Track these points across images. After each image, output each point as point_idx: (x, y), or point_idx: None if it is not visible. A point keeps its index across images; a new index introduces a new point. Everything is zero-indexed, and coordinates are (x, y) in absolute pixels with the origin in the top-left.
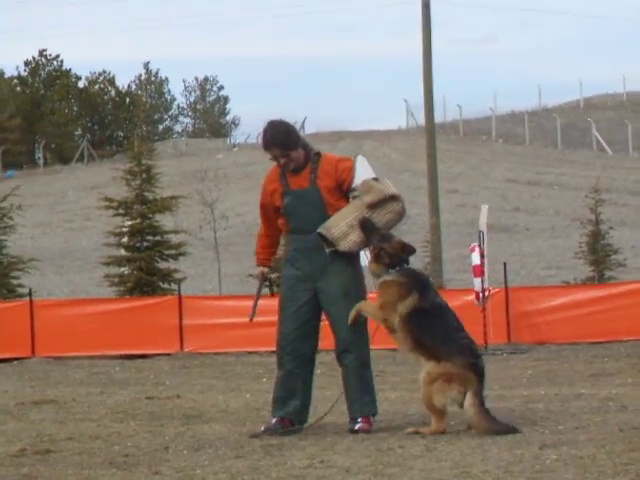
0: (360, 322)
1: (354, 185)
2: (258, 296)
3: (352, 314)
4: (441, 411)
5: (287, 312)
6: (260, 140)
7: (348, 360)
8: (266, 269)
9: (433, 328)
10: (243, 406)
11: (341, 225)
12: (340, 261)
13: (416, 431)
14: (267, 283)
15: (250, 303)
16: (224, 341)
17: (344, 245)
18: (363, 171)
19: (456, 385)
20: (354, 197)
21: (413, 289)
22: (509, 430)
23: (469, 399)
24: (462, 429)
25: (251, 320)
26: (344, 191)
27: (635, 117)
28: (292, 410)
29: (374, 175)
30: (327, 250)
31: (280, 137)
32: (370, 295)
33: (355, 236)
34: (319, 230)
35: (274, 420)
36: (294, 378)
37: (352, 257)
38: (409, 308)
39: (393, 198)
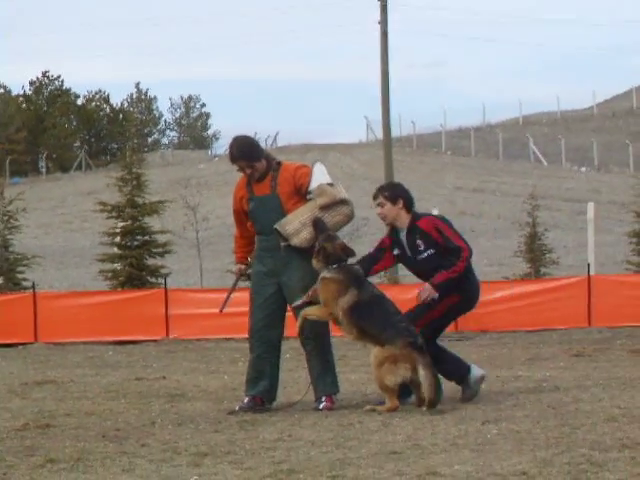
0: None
1: (310, 188)
2: (232, 290)
3: (299, 323)
4: (393, 390)
5: (256, 303)
6: (227, 154)
7: (310, 346)
8: (243, 266)
9: (373, 317)
10: (221, 386)
11: (295, 223)
12: (300, 258)
13: (373, 409)
14: (244, 278)
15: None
16: (205, 329)
17: (296, 241)
18: (320, 176)
19: (402, 364)
20: (309, 199)
21: (350, 285)
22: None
23: (422, 372)
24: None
25: (221, 311)
26: (302, 194)
27: (568, 132)
28: (262, 390)
29: (330, 180)
30: (282, 244)
31: (245, 150)
32: None
33: (306, 233)
34: (275, 226)
35: (247, 399)
36: (263, 362)
37: (311, 254)
38: (350, 303)
39: (343, 202)
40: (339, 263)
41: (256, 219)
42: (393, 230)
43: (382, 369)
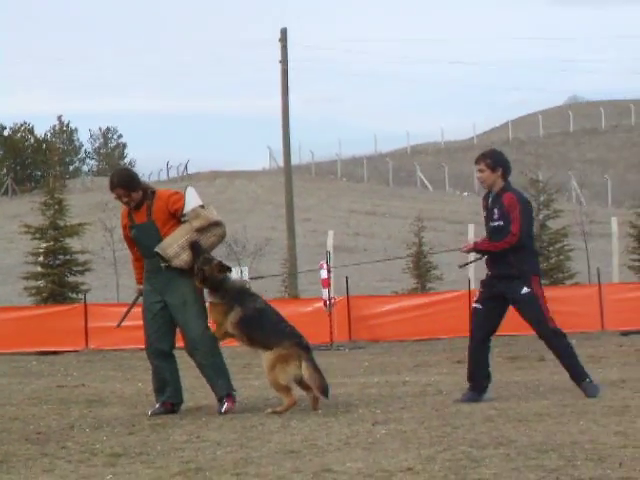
0: (202, 321)
1: (185, 211)
2: (130, 307)
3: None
4: (287, 388)
5: (146, 319)
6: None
7: (199, 356)
8: (141, 287)
9: (260, 326)
10: (136, 392)
11: (174, 246)
12: (179, 277)
13: (274, 411)
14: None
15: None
16: (121, 340)
17: (177, 262)
18: (192, 200)
19: (292, 361)
20: (184, 221)
21: (234, 304)
22: (326, 391)
23: (304, 365)
24: (309, 410)
25: (118, 326)
26: (177, 218)
27: (451, 161)
28: (169, 395)
29: (201, 203)
30: (162, 265)
31: (124, 180)
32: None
33: (185, 256)
34: (156, 249)
35: (158, 405)
36: (162, 371)
37: (189, 274)
38: (236, 319)
39: (217, 224)
40: (220, 283)
41: (139, 244)
42: (488, 192)
43: (274, 371)
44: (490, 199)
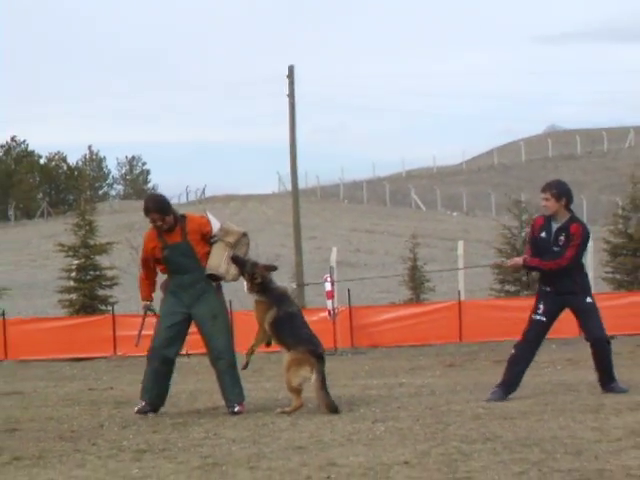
0: (228, 335)
1: (214, 232)
2: (142, 324)
3: (248, 359)
4: (298, 390)
5: (163, 325)
6: (144, 206)
7: (220, 364)
8: (148, 302)
9: (285, 328)
10: None
11: (222, 265)
12: (209, 293)
13: (283, 411)
14: (150, 312)
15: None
16: (146, 347)
17: (229, 277)
18: (214, 221)
19: (304, 365)
20: (214, 241)
21: (273, 305)
22: (334, 408)
23: (314, 378)
24: (316, 409)
25: (136, 345)
26: (207, 239)
27: (442, 184)
28: (154, 395)
29: (219, 224)
30: (214, 284)
31: (159, 205)
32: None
33: (233, 269)
34: (208, 272)
35: (143, 403)
36: (160, 375)
37: (218, 289)
38: (271, 318)
39: (244, 235)
40: (268, 284)
41: (171, 263)
42: (549, 217)
43: (289, 372)
44: (555, 226)
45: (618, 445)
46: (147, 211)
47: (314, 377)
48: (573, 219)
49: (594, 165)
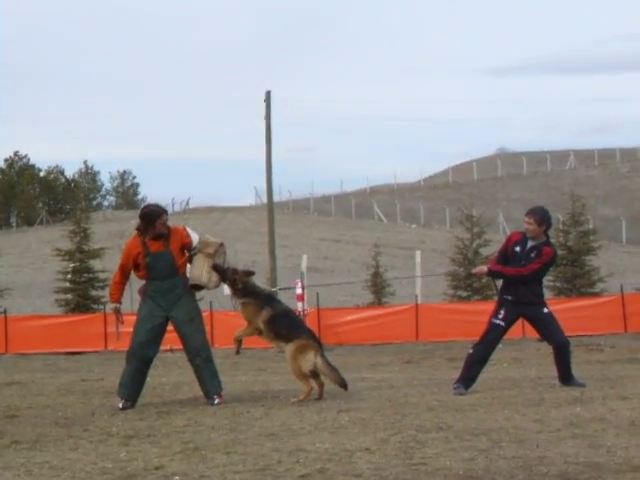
0: (204, 334)
1: (194, 245)
2: (117, 324)
3: (235, 346)
4: (306, 375)
5: (143, 328)
6: (151, 211)
7: (199, 361)
8: (119, 305)
9: (285, 323)
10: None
11: (204, 274)
12: (185, 297)
13: (298, 400)
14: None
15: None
16: (126, 341)
17: (211, 286)
18: (194, 235)
19: (310, 350)
20: (194, 253)
21: (264, 305)
22: (344, 383)
23: (319, 360)
24: (286, 400)
25: (117, 339)
26: (186, 249)
27: (402, 199)
28: (132, 392)
29: (198, 236)
30: (196, 292)
31: (166, 212)
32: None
33: (214, 277)
34: (191, 282)
35: (124, 400)
36: (139, 373)
37: (193, 294)
38: (267, 317)
39: (221, 245)
40: (251, 288)
41: (152, 269)
42: (525, 238)
43: (296, 360)
44: (530, 244)
45: (557, 435)
46: (160, 215)
47: (319, 360)
48: (548, 243)
49: (539, 184)
